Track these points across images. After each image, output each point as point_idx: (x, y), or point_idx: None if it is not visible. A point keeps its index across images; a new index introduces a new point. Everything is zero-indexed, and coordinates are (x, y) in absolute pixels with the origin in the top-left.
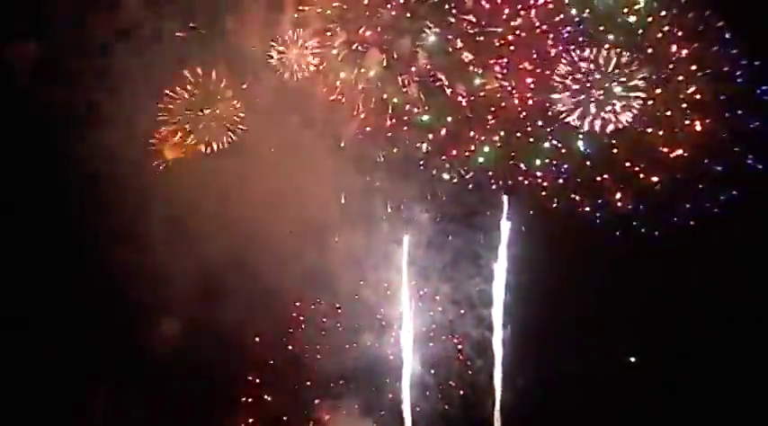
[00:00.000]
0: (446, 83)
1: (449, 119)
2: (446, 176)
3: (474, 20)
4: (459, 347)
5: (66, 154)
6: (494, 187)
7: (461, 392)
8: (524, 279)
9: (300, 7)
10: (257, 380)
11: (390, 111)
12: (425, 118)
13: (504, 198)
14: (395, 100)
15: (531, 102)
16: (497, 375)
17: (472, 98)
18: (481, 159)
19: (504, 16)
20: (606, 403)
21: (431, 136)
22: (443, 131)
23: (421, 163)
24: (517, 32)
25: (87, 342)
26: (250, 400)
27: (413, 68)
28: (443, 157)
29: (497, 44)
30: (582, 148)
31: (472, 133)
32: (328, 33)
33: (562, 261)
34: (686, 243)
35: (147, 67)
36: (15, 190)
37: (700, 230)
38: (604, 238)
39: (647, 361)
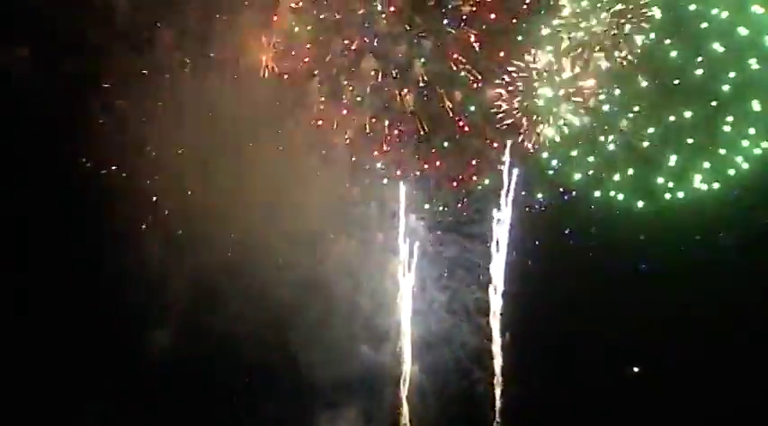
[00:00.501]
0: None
1: (445, 144)
2: (441, 208)
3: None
4: (458, 355)
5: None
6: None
7: (460, 400)
8: (523, 287)
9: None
10: (253, 387)
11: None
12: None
13: (503, 207)
14: (386, 121)
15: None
16: (497, 382)
17: (466, 115)
18: (480, 187)
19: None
20: (606, 411)
21: (426, 165)
22: (438, 162)
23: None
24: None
25: (83, 346)
26: (247, 407)
27: (406, 87)
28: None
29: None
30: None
31: (474, 161)
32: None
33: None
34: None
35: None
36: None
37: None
38: (604, 247)
39: (646, 370)
